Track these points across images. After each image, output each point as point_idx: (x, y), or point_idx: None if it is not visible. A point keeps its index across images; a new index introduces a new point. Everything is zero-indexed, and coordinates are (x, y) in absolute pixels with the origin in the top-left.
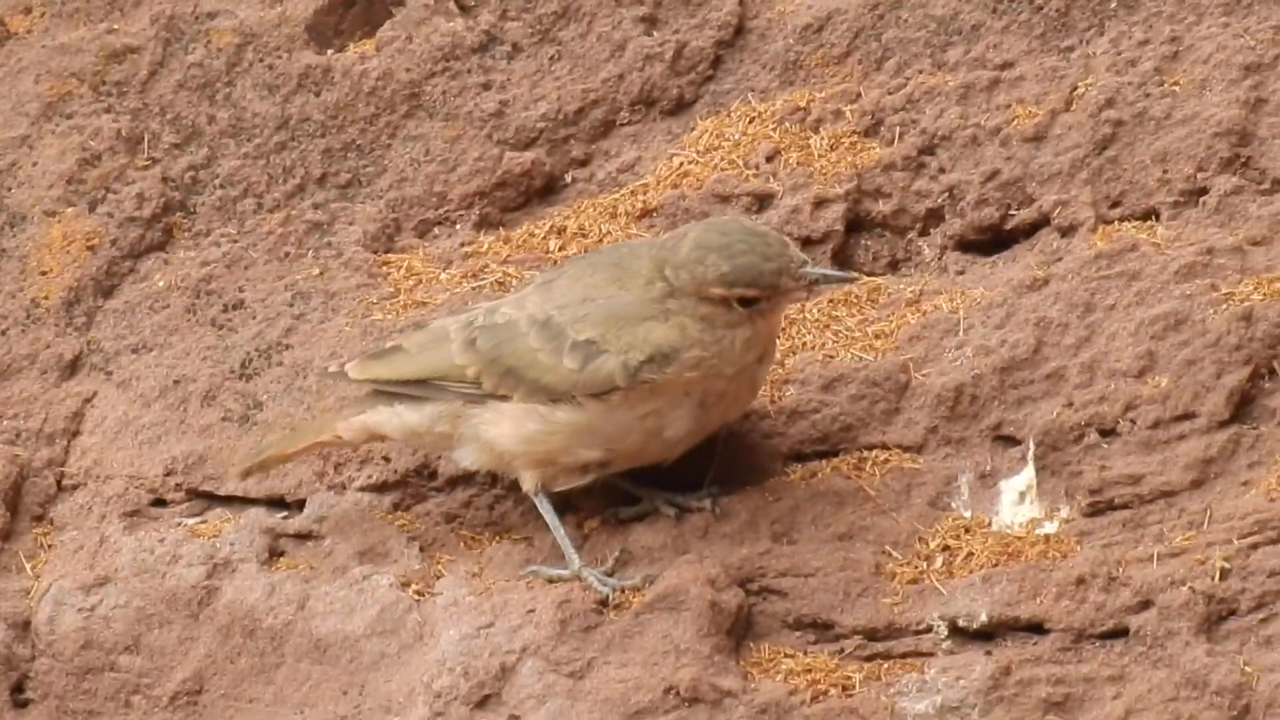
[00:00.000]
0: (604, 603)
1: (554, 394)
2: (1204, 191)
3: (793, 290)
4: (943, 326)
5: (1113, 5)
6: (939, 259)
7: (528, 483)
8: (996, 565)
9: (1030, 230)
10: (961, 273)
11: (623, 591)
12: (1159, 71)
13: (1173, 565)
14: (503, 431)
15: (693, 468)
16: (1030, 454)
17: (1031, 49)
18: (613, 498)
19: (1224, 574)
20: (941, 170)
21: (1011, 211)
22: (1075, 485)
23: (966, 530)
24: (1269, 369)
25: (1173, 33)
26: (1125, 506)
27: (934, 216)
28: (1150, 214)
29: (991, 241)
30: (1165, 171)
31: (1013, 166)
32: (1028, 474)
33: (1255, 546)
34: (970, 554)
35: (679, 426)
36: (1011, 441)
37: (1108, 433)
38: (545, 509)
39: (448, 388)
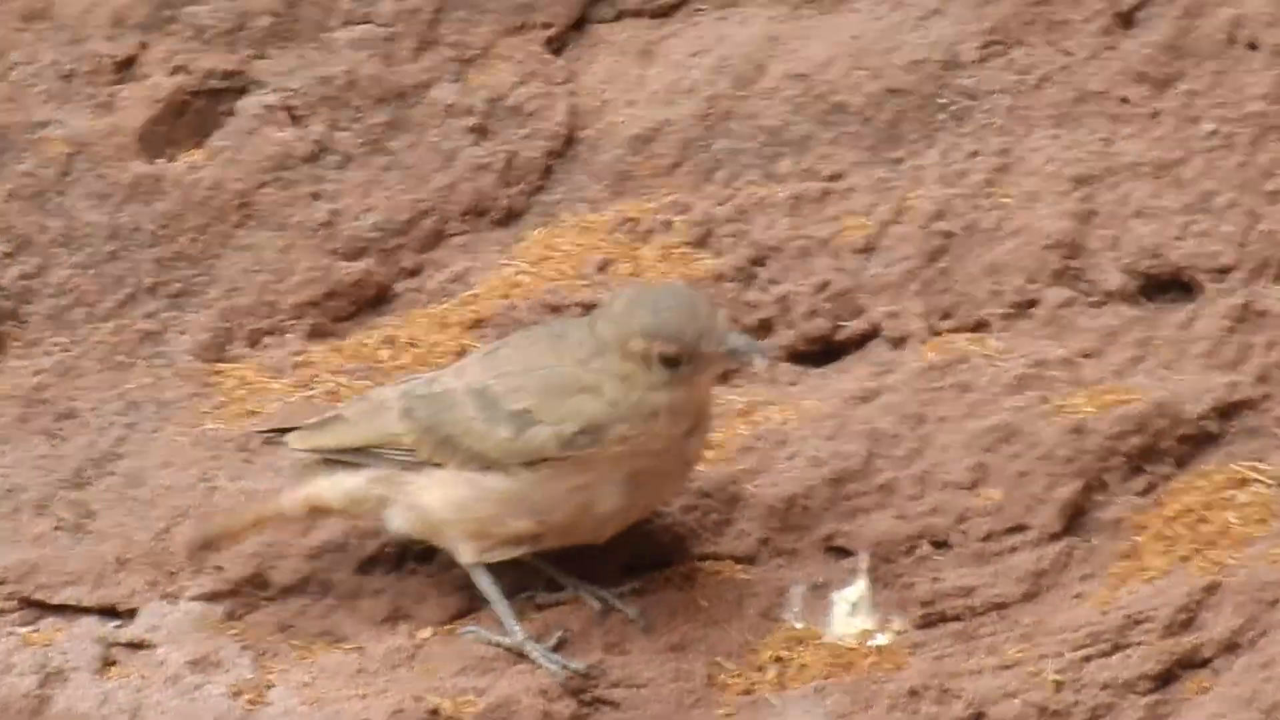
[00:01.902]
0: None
1: (487, 462)
2: (1035, 303)
3: (713, 356)
4: (774, 438)
5: (942, 117)
6: (770, 370)
7: (466, 555)
8: (829, 677)
9: (861, 341)
10: (793, 384)
11: (566, 670)
12: (989, 183)
13: (1005, 677)
14: (434, 497)
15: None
16: (862, 565)
17: (861, 160)
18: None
19: (1057, 686)
20: (772, 281)
21: (842, 323)
22: (908, 597)
23: (799, 641)
24: (1100, 481)
25: (1003, 145)
26: (958, 618)
27: (765, 327)
28: (981, 325)
29: (822, 352)
30: (996, 283)
31: (843, 278)
32: (860, 585)
33: (1088, 659)
34: (803, 665)
35: (609, 503)
36: (844, 553)
37: (940, 544)
38: (484, 582)
39: (384, 454)
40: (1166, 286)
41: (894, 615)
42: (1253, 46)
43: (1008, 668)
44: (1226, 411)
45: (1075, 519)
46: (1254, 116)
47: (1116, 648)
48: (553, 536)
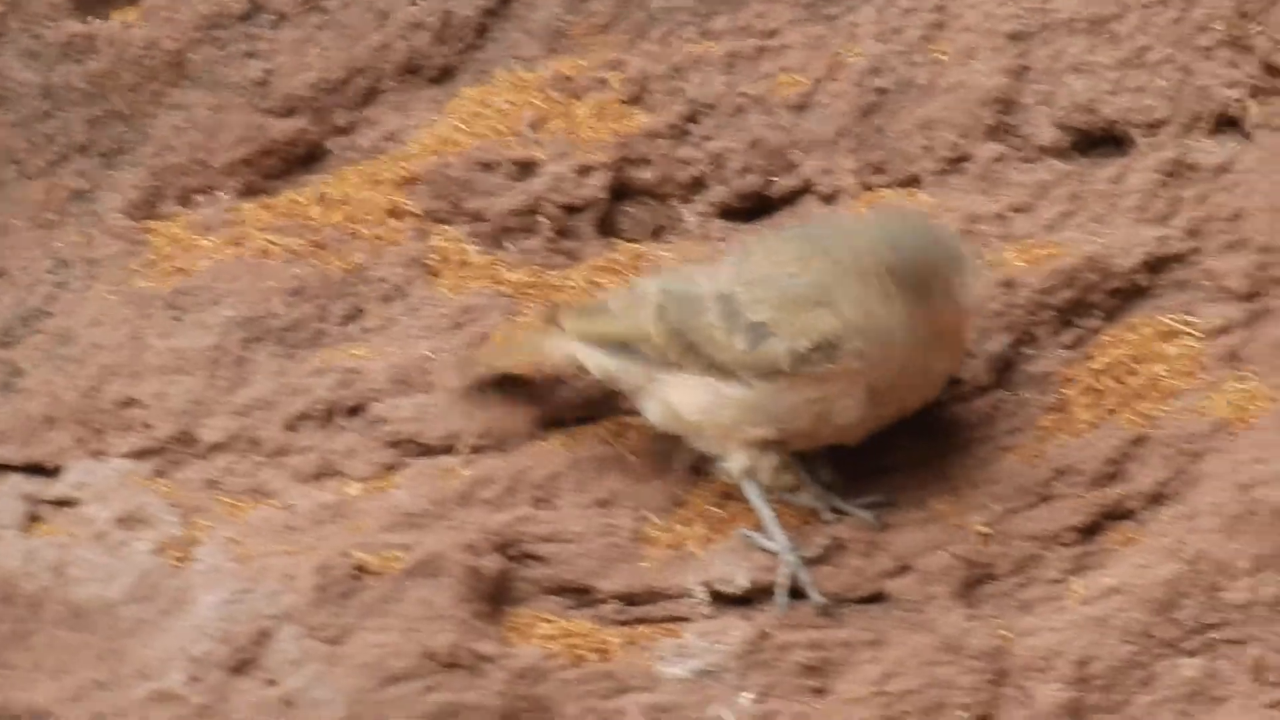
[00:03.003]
0: (798, 594)
1: (724, 371)
2: (967, 159)
3: (953, 291)
4: None
5: None
6: (702, 226)
7: (731, 464)
8: (757, 530)
9: (793, 198)
10: (724, 240)
11: (818, 599)
12: (924, 39)
13: (932, 530)
14: (680, 398)
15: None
16: None
17: (797, 17)
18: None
19: (984, 539)
20: (706, 138)
21: (774, 179)
22: (838, 449)
23: (728, 496)
24: (1030, 335)
25: (938, 1)
26: (886, 472)
27: (698, 184)
28: (913, 181)
29: (755, 209)
30: (929, 139)
31: (777, 134)
32: None
33: (1014, 511)
34: (731, 520)
35: (848, 414)
36: None
37: None
38: (751, 493)
39: (640, 349)
40: (1099, 141)
41: (823, 468)
42: None
43: (934, 521)
44: (1156, 265)
45: (1004, 373)
46: None
47: (1043, 500)
48: (798, 440)
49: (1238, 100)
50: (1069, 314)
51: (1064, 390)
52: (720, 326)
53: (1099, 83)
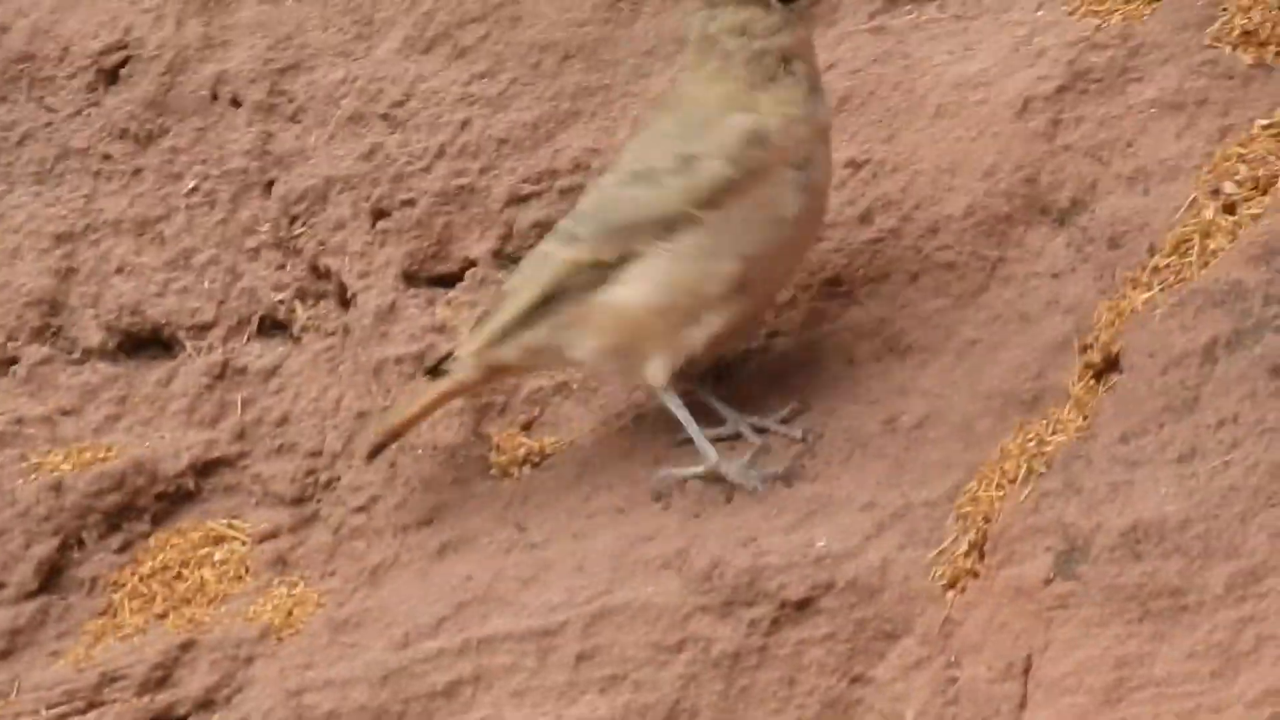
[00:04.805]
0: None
1: (671, 222)
2: (15, 361)
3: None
4: None
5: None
6: None
7: (657, 373)
8: None
9: None
10: None
11: (767, 480)
12: None
13: None
14: (632, 291)
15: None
16: None
17: None
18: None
19: None
20: None
21: None
22: None
23: None
24: (78, 539)
25: None
26: None
27: None
28: None
29: None
30: None
31: None
32: None
33: (64, 717)
34: None
35: (793, 203)
36: None
37: None
38: (675, 404)
39: (569, 288)
40: (147, 344)
41: None
42: (235, 103)
43: None
44: (204, 469)
45: (51, 577)
46: (235, 173)
47: (92, 705)
48: (758, 278)
49: (284, 302)
50: (117, 518)
51: (113, 594)
52: (646, 190)
53: (146, 285)
